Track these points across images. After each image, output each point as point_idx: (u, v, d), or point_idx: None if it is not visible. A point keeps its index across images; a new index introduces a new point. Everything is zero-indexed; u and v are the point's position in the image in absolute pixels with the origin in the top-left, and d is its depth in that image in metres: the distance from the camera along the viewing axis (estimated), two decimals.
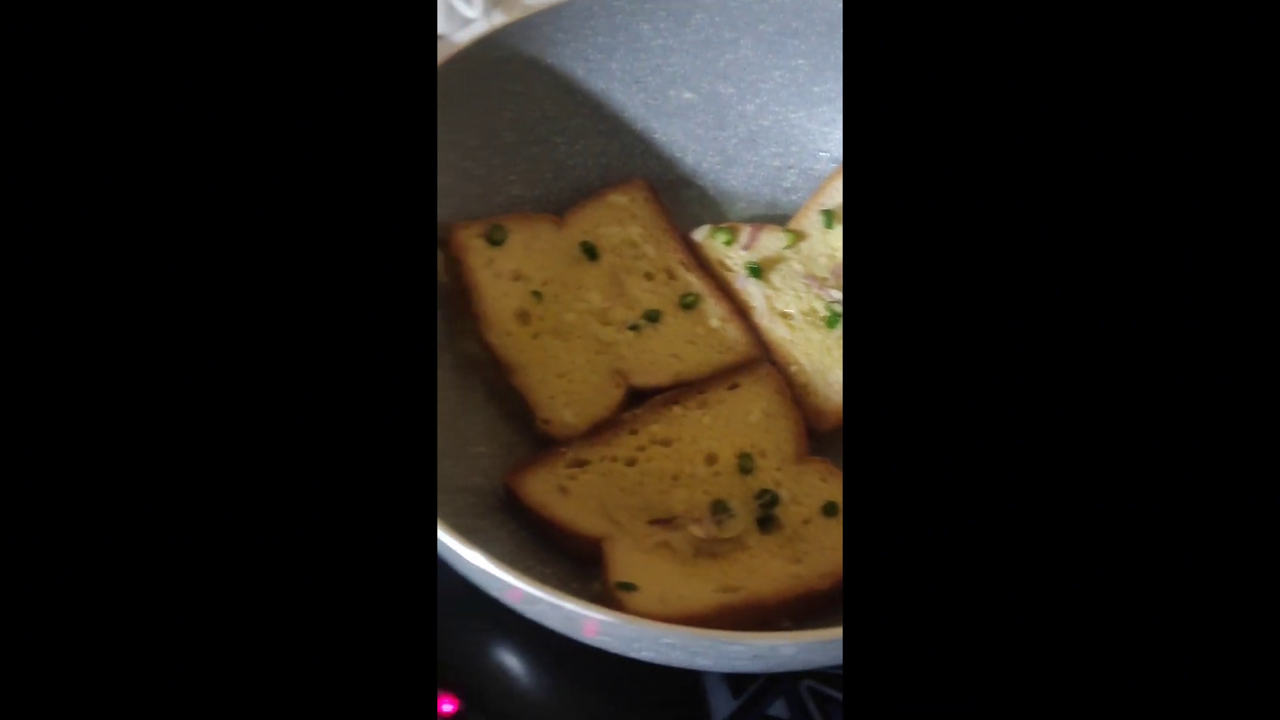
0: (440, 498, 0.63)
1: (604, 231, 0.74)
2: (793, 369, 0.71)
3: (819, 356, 0.71)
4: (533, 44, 0.74)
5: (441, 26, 0.99)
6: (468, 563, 0.54)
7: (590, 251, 0.73)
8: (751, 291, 0.73)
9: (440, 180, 0.73)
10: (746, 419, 0.67)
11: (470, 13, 0.98)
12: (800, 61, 0.77)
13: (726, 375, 0.69)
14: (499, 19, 0.98)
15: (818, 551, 0.61)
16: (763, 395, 0.68)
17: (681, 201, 0.79)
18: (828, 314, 0.72)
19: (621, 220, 0.74)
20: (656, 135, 0.79)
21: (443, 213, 0.72)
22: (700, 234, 0.76)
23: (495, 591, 0.55)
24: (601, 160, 0.78)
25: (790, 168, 0.80)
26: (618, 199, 0.75)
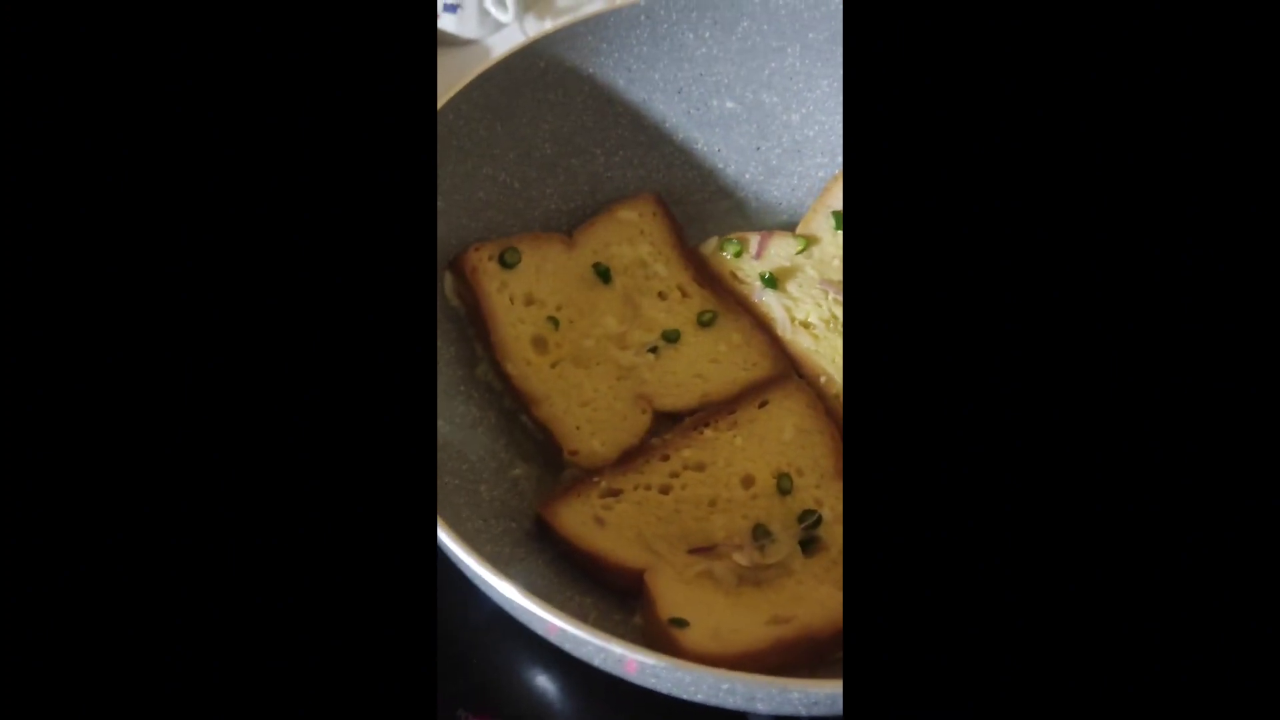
0: (478, 524, 0.62)
1: (614, 251, 0.72)
2: (822, 380, 0.68)
3: None
4: (575, 53, 0.72)
5: (473, 31, 0.97)
6: (505, 598, 0.52)
7: (604, 274, 0.71)
8: (770, 303, 0.71)
9: (477, 194, 0.71)
10: (780, 437, 0.65)
11: (503, 17, 0.96)
12: None
13: (755, 393, 0.67)
14: (531, 23, 0.97)
15: None
16: (794, 411, 0.66)
17: (721, 213, 0.77)
18: None
19: (631, 238, 0.72)
20: (698, 146, 0.77)
21: (478, 227, 0.71)
22: (708, 247, 0.74)
23: (534, 626, 0.54)
24: (640, 172, 0.76)
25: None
26: (626, 214, 0.73)
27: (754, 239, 0.73)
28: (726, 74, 0.75)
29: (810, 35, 0.74)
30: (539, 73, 0.71)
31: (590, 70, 0.73)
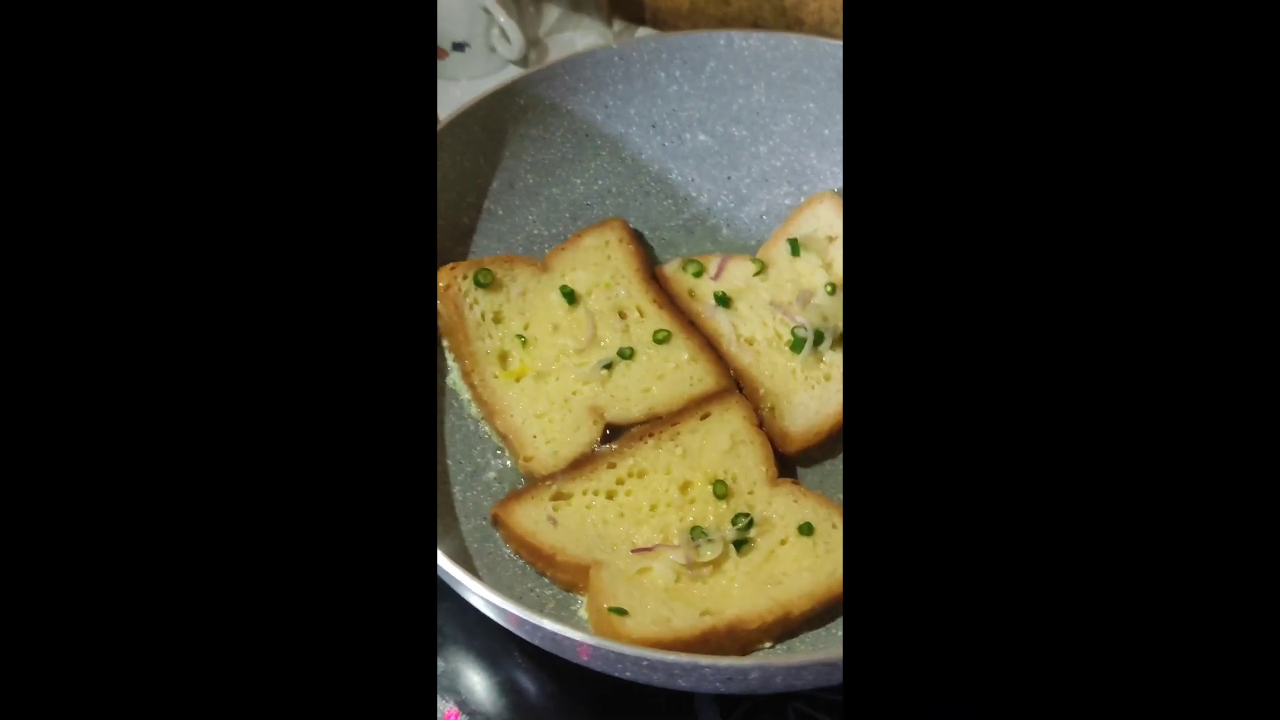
0: (448, 522, 0.68)
1: (580, 274, 0.77)
2: (760, 392, 0.73)
3: (784, 380, 0.73)
4: (553, 91, 0.78)
5: (481, 69, 1.04)
6: (468, 589, 0.58)
7: (569, 296, 0.76)
8: (720, 320, 0.76)
9: (463, 220, 0.77)
10: (718, 447, 0.69)
11: (509, 54, 1.02)
12: (810, 105, 0.80)
13: (698, 406, 0.71)
14: (535, 60, 1.03)
15: (796, 572, 0.64)
16: (732, 423, 0.70)
17: (695, 239, 0.82)
18: (791, 339, 0.74)
19: (597, 262, 0.77)
20: (672, 176, 0.83)
21: (462, 250, 0.77)
22: (671, 267, 0.79)
23: (494, 615, 0.59)
24: (619, 200, 0.82)
25: None
26: (593, 240, 0.78)
27: (714, 261, 0.78)
28: (697, 109, 0.81)
29: (773, 74, 0.79)
30: (519, 109, 0.77)
31: (569, 107, 0.79)
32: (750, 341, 0.75)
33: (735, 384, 0.73)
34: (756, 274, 0.77)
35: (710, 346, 0.75)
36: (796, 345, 0.74)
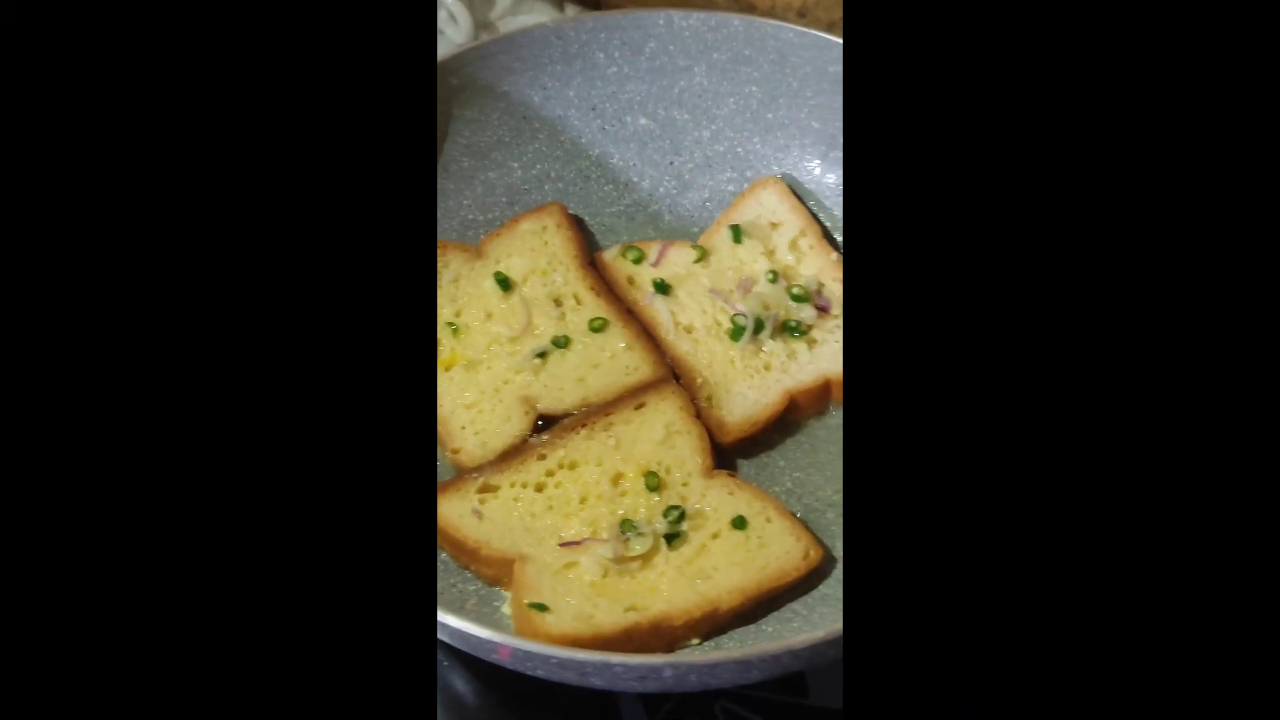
0: None
1: (516, 261, 0.75)
2: (698, 381, 0.71)
3: (722, 369, 0.71)
4: (489, 71, 0.76)
5: None
6: None
7: (503, 283, 0.74)
8: (658, 308, 0.74)
9: None
10: (651, 438, 0.67)
11: (456, 37, 1.00)
12: (753, 89, 0.78)
13: (632, 396, 0.69)
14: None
15: (727, 567, 0.62)
16: (667, 413, 0.68)
17: (636, 225, 0.80)
18: (731, 326, 0.72)
19: (533, 248, 0.75)
20: (613, 160, 0.81)
21: None
22: (610, 254, 0.77)
23: None
24: (558, 185, 0.80)
25: None
26: (529, 225, 0.76)
27: (654, 247, 0.76)
28: (638, 92, 0.79)
29: (714, 55, 0.77)
30: (453, 90, 0.75)
31: (505, 88, 0.77)
32: (689, 329, 0.73)
33: (672, 373, 0.71)
34: (697, 261, 0.75)
35: (648, 335, 0.73)
36: (736, 333, 0.72)
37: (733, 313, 0.72)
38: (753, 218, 0.77)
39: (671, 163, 0.81)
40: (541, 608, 0.59)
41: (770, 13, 0.97)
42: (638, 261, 0.76)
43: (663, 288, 0.74)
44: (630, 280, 0.75)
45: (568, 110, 0.79)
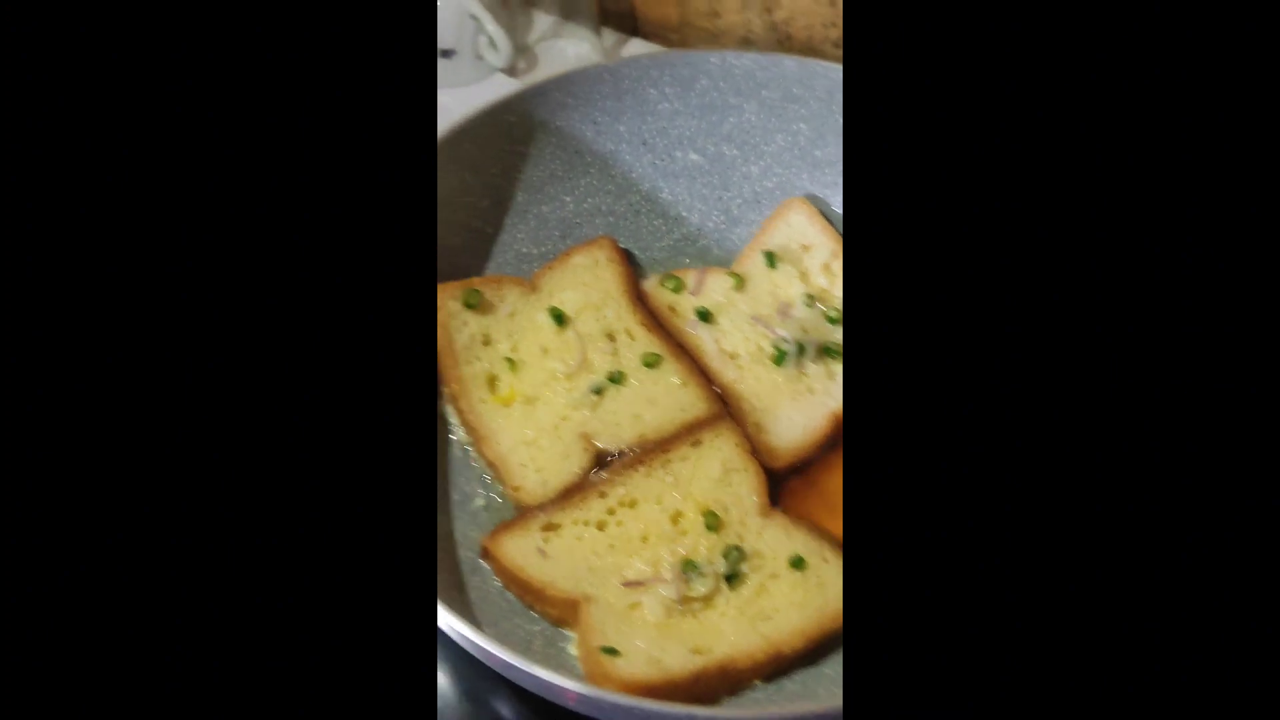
0: (439, 555, 0.66)
1: (569, 295, 0.76)
2: (746, 408, 0.72)
3: (769, 394, 0.72)
4: (544, 108, 0.77)
5: (468, 76, 1.02)
6: (455, 629, 0.56)
7: (558, 318, 0.74)
8: (702, 336, 0.75)
9: (452, 239, 0.76)
10: (709, 475, 0.68)
11: (496, 61, 1.01)
12: (802, 126, 0.79)
13: (688, 433, 0.70)
14: (524, 68, 1.02)
15: (787, 608, 0.63)
16: (723, 450, 0.69)
17: (685, 259, 0.81)
18: (774, 352, 0.73)
19: (585, 282, 0.76)
20: (663, 195, 0.82)
21: (451, 270, 0.76)
22: (650, 283, 0.78)
23: (480, 656, 0.57)
24: (609, 219, 0.81)
25: None
26: (581, 260, 0.77)
27: (692, 276, 0.77)
28: (689, 128, 0.80)
29: (765, 93, 0.78)
30: (509, 127, 0.76)
31: (559, 123, 0.78)
32: (733, 356, 0.74)
33: (726, 409, 0.72)
34: (734, 288, 0.77)
35: (700, 372, 0.74)
36: (779, 358, 0.73)
37: (774, 338, 0.74)
38: (784, 241, 0.78)
39: (720, 198, 0.82)
40: (612, 652, 0.60)
41: (808, 44, 0.98)
42: (677, 290, 0.77)
43: (705, 316, 0.75)
44: (671, 309, 0.77)
45: (619, 145, 0.80)
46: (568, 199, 0.80)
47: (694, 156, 0.81)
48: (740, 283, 0.77)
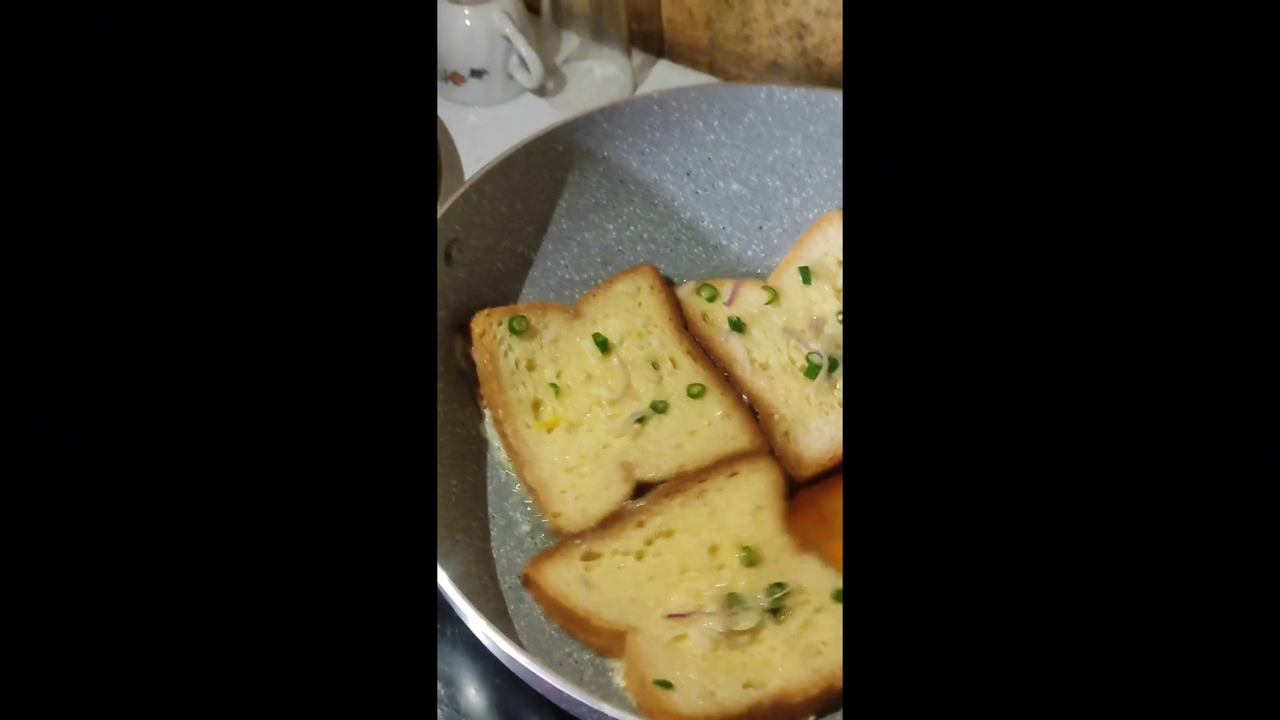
0: (485, 581, 0.66)
1: (612, 322, 0.76)
2: (775, 418, 0.73)
3: (799, 405, 0.73)
4: (592, 138, 0.77)
5: (499, 96, 1.03)
6: (508, 656, 0.56)
7: (602, 345, 0.75)
8: (734, 345, 0.76)
9: (497, 266, 0.76)
10: (744, 508, 0.68)
11: (527, 82, 1.01)
12: None
13: (726, 464, 0.70)
14: (552, 89, 1.02)
15: (835, 642, 0.63)
16: (758, 484, 0.69)
17: (706, 297, 0.82)
18: (806, 365, 0.74)
19: (629, 309, 0.77)
20: (704, 224, 0.82)
21: (494, 296, 0.76)
22: (685, 290, 0.79)
23: (534, 685, 0.58)
24: (650, 247, 0.81)
25: None
26: (624, 287, 0.78)
27: (728, 286, 0.78)
28: (733, 159, 0.81)
29: (811, 127, 0.79)
30: (557, 155, 0.77)
31: (605, 153, 0.78)
32: (764, 366, 0.75)
33: (769, 446, 0.73)
34: (768, 302, 0.78)
35: (747, 408, 0.74)
36: (811, 371, 0.74)
37: (807, 351, 0.75)
38: (820, 255, 0.79)
39: (760, 227, 0.82)
40: (666, 685, 0.61)
41: (839, 71, 0.99)
42: (711, 299, 0.78)
43: (738, 325, 0.76)
44: (704, 317, 0.78)
45: (663, 174, 0.81)
46: (610, 226, 0.81)
47: (736, 186, 0.82)
48: (774, 296, 0.78)
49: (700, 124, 0.79)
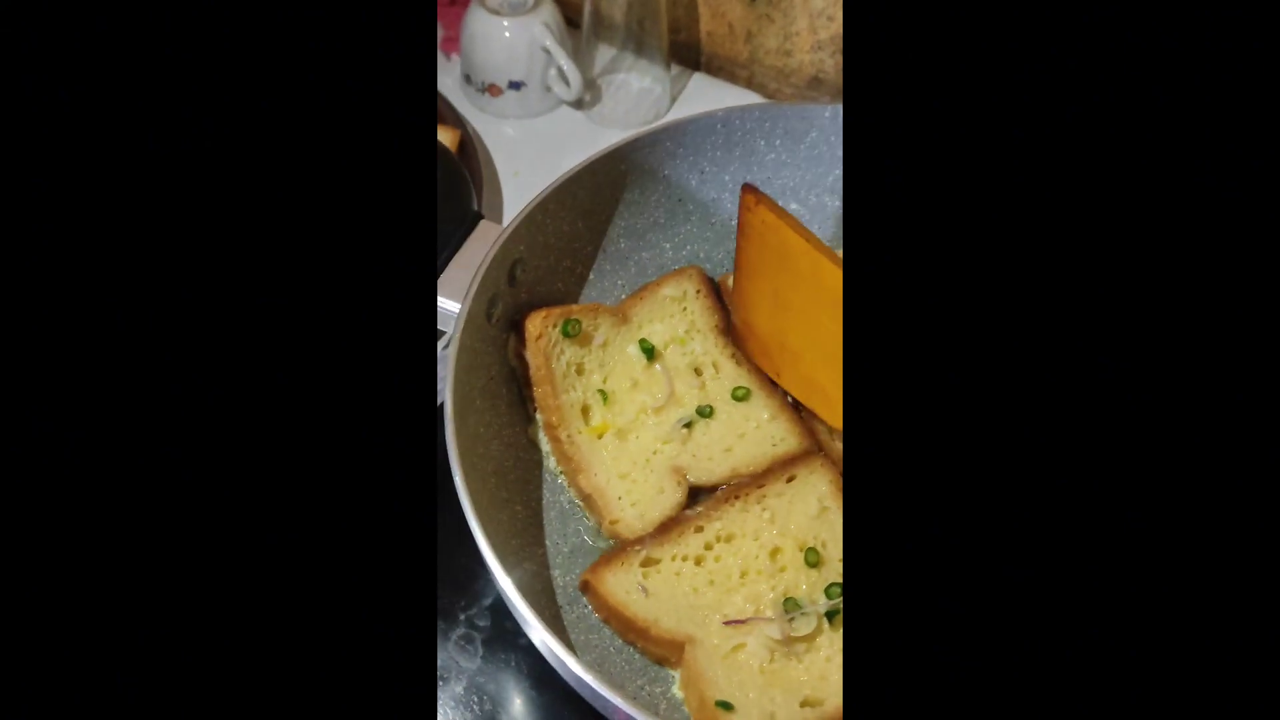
0: (557, 608, 0.65)
1: (657, 326, 0.75)
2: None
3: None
4: (654, 157, 0.76)
5: (536, 108, 1.01)
6: (586, 685, 0.54)
7: (648, 351, 0.73)
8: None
9: (556, 285, 0.75)
10: (806, 511, 0.68)
11: (565, 95, 1.00)
12: None
13: (782, 468, 0.69)
14: (589, 101, 1.01)
15: None
16: (819, 486, 0.69)
17: None
18: None
19: (672, 314, 0.75)
20: None
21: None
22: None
23: (607, 713, 0.56)
24: (706, 266, 0.80)
25: None
26: (669, 290, 0.76)
27: None
28: (793, 178, 0.80)
29: None
30: (620, 175, 0.75)
31: (666, 172, 0.77)
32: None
33: (818, 445, 0.72)
34: None
35: (793, 407, 0.73)
36: None
37: None
38: None
39: None
40: (727, 707, 0.60)
41: None
42: None
43: None
44: None
45: (722, 193, 0.79)
46: (667, 245, 0.79)
47: (794, 206, 0.80)
48: None
49: (762, 143, 0.78)
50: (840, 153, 0.79)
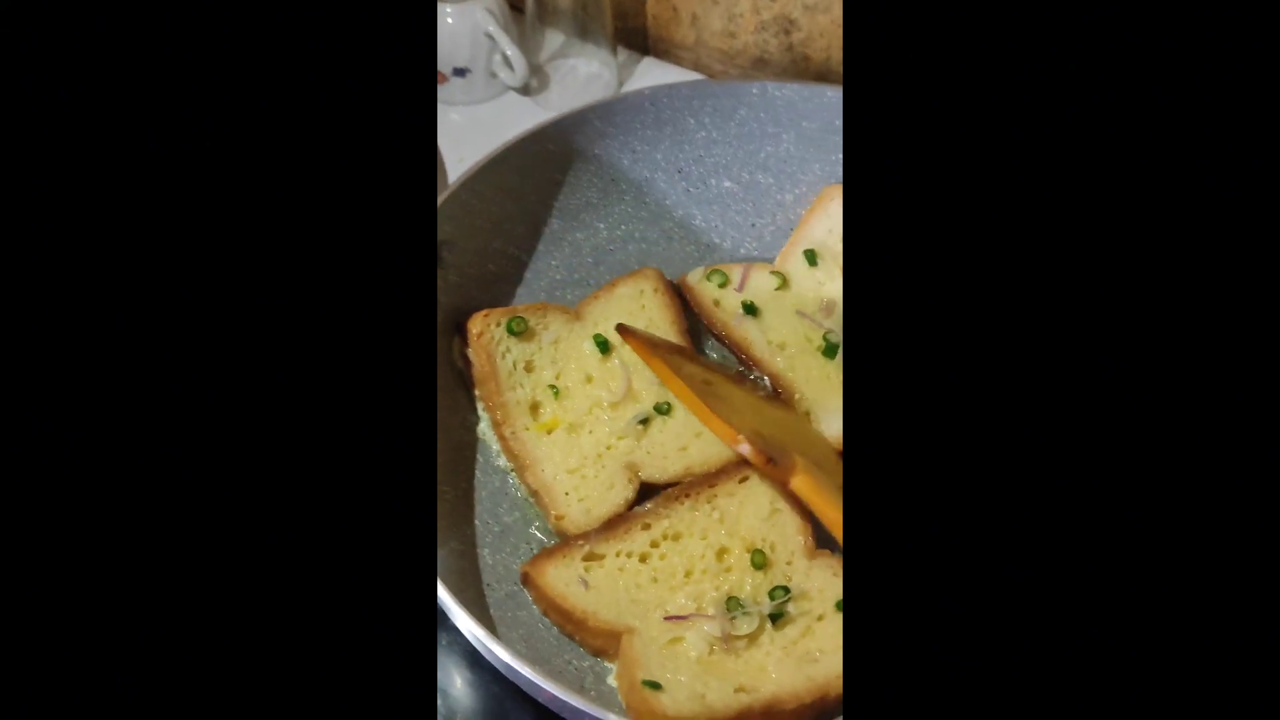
0: (480, 589, 0.65)
1: (614, 325, 0.74)
2: (796, 397, 0.72)
3: (818, 384, 0.73)
4: (583, 136, 0.76)
5: (481, 94, 1.01)
6: (506, 664, 0.55)
7: (603, 346, 0.74)
8: (748, 328, 0.75)
9: (489, 267, 0.75)
10: (757, 513, 0.68)
11: (511, 82, 1.00)
12: (839, 156, 0.79)
13: (735, 469, 0.69)
14: (535, 86, 1.01)
15: (833, 651, 0.62)
16: (771, 488, 0.68)
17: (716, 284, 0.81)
18: (823, 344, 0.74)
19: (631, 312, 0.76)
20: (696, 221, 0.81)
21: (486, 299, 0.75)
22: (694, 276, 0.78)
23: (532, 692, 0.57)
24: (642, 245, 0.80)
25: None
26: (627, 290, 0.77)
27: (737, 271, 0.78)
28: (724, 156, 0.80)
29: (804, 124, 0.78)
30: (548, 154, 0.75)
31: (597, 151, 0.77)
32: (781, 346, 0.75)
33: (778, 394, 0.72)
34: (778, 288, 0.77)
35: (749, 362, 0.74)
36: (829, 350, 0.74)
37: (823, 330, 0.74)
38: (823, 234, 0.78)
39: (753, 224, 0.82)
40: (655, 686, 0.60)
41: (825, 66, 0.99)
42: (722, 285, 0.77)
43: (751, 309, 0.76)
44: (716, 303, 0.77)
45: (655, 173, 0.80)
46: (601, 226, 0.80)
47: (728, 184, 0.81)
48: (783, 281, 0.77)
49: (692, 121, 0.78)
50: (771, 129, 0.79)
